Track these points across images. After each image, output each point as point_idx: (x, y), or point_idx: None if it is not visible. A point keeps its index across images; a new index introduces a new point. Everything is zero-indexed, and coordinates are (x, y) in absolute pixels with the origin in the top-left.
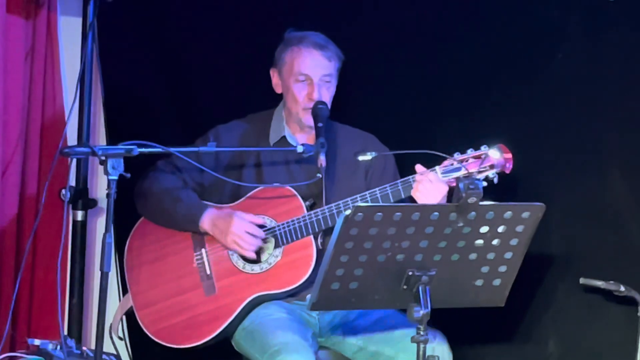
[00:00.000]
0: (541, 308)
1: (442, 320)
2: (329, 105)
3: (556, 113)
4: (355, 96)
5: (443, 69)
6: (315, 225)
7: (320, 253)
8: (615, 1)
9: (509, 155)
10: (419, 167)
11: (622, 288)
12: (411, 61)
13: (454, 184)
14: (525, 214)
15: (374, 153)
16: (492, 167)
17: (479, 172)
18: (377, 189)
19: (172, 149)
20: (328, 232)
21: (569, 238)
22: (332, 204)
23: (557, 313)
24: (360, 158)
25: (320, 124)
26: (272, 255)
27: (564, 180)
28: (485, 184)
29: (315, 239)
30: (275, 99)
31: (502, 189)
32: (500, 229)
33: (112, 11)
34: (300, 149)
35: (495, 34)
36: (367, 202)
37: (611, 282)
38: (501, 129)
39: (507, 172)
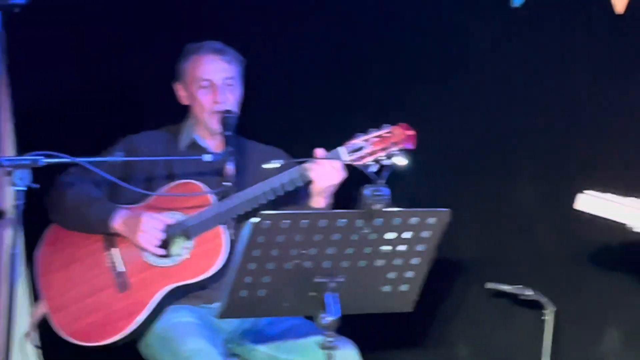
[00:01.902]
0: (451, 312)
1: (353, 327)
2: (237, 108)
3: (464, 118)
4: (259, 105)
5: (355, 72)
6: (224, 214)
7: (232, 243)
8: (519, 8)
9: (411, 132)
10: (317, 151)
11: (529, 292)
12: (320, 64)
13: (359, 163)
14: (432, 220)
15: (281, 161)
16: (395, 144)
17: (383, 149)
18: (275, 177)
19: (79, 159)
20: (239, 220)
21: (478, 243)
22: (240, 193)
23: (467, 317)
24: (265, 166)
25: (228, 133)
26: (184, 248)
27: (473, 184)
28: (390, 163)
29: (227, 228)
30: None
31: (410, 194)
32: (407, 235)
33: (22, 21)
34: (207, 157)
35: (406, 39)
36: (265, 192)
37: (518, 286)
38: (421, 131)
39: (411, 147)
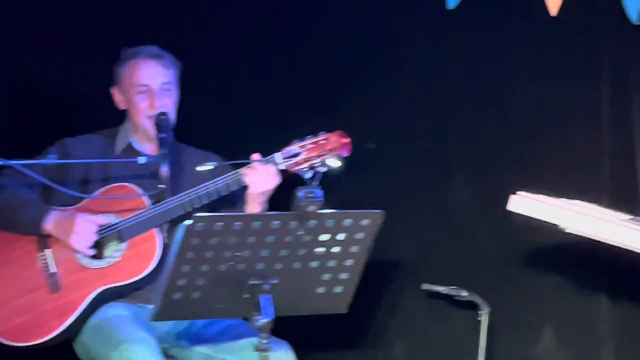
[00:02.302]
0: (386, 313)
1: (289, 329)
2: (174, 113)
3: (400, 118)
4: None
5: (291, 77)
6: (158, 217)
7: (166, 247)
8: (454, 10)
9: (347, 140)
10: (253, 156)
11: (464, 293)
12: (257, 69)
13: (293, 169)
14: (365, 221)
15: (214, 163)
16: (330, 151)
17: (318, 156)
18: (210, 182)
19: (12, 162)
20: (174, 224)
21: (413, 244)
22: (175, 197)
23: (402, 318)
24: (199, 169)
25: (163, 135)
26: (117, 250)
27: (408, 186)
28: (325, 169)
29: (160, 232)
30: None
31: (346, 196)
32: (341, 237)
33: None
34: (142, 159)
35: (342, 43)
36: (200, 195)
37: (453, 287)
38: (355, 133)
39: (346, 155)
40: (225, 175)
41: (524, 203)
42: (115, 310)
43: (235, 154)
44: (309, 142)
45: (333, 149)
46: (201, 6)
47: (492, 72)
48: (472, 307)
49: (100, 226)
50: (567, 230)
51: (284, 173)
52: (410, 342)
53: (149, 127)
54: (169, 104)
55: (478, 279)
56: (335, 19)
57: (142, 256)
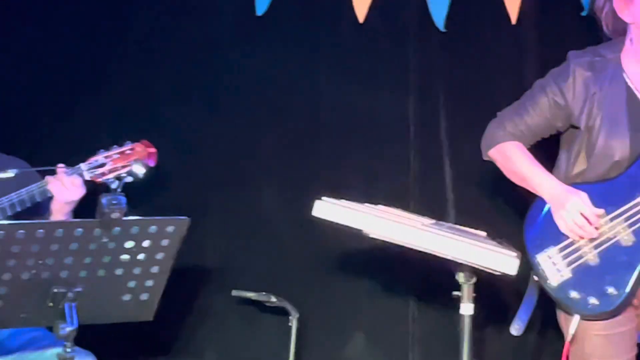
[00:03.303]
0: (197, 320)
1: (95, 338)
2: None
3: (209, 124)
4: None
5: (97, 86)
6: None
7: None
8: (263, 16)
9: (153, 150)
10: (58, 167)
11: (274, 299)
12: (63, 75)
13: (99, 180)
14: (170, 228)
15: (15, 170)
16: (136, 161)
17: (124, 166)
18: (13, 194)
19: None
20: None
21: (225, 250)
22: None
23: (214, 325)
24: (0, 175)
25: None
26: None
27: (220, 192)
28: (131, 178)
29: None
30: None
31: (153, 203)
32: (146, 244)
33: None
34: None
35: (150, 45)
36: (4, 208)
37: (262, 293)
38: (159, 141)
39: (152, 165)
40: (29, 187)
41: (328, 208)
42: None
43: (39, 163)
44: (114, 152)
45: (139, 159)
46: None
47: (300, 78)
48: (283, 312)
49: None
50: (370, 236)
51: (90, 183)
52: (221, 349)
53: None
54: None
55: (288, 285)
56: (142, 23)
57: None
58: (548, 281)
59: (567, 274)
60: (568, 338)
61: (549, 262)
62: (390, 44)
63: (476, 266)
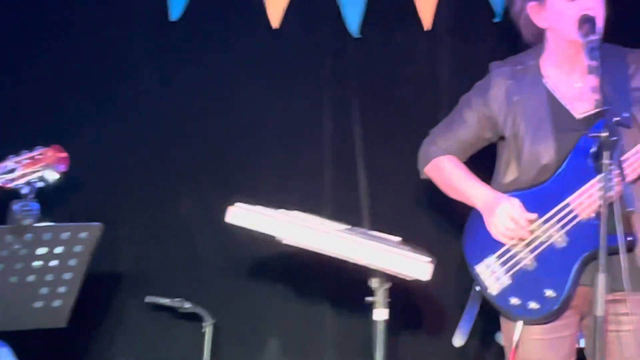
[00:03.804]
0: (110, 327)
1: (8, 345)
2: None
3: (122, 131)
4: None
5: (8, 88)
6: None
7: None
8: (177, 21)
9: (64, 155)
10: None
11: (188, 305)
12: None
13: (9, 186)
14: (83, 234)
15: None
16: (47, 166)
17: (34, 171)
18: None
19: None
20: None
21: (137, 256)
22: None
23: (127, 331)
24: None
25: None
26: None
27: (134, 197)
28: (42, 184)
29: None
30: None
31: (66, 208)
32: (59, 250)
33: None
34: None
35: (62, 48)
36: None
37: (177, 299)
38: (71, 146)
39: (64, 169)
40: None
41: (242, 215)
42: None
43: None
44: (24, 157)
45: (49, 164)
46: None
47: (215, 83)
48: (197, 318)
49: None
50: (283, 242)
51: None
52: (135, 355)
53: None
54: None
55: (202, 291)
56: (53, 26)
57: None
58: (488, 290)
59: (506, 281)
60: (513, 344)
61: (488, 272)
62: (304, 49)
63: (389, 272)
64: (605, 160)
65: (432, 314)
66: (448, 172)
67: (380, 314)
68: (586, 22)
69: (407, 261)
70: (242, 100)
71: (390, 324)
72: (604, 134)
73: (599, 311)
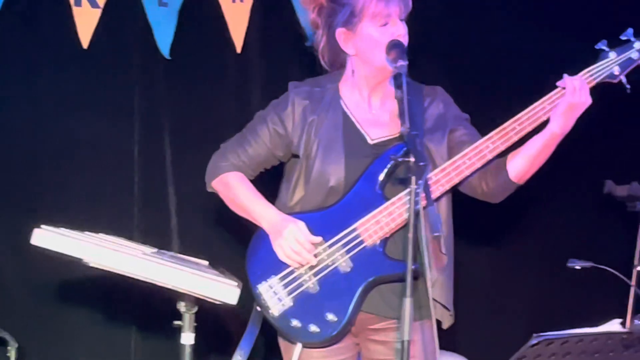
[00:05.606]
0: None
1: None
2: None
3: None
4: None
5: None
6: None
7: None
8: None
9: None
10: None
11: None
12: None
13: None
14: None
15: None
16: None
17: None
18: None
19: None
20: None
21: None
22: None
23: None
24: None
25: None
26: None
27: None
28: None
29: None
30: None
31: None
32: None
33: None
34: None
35: None
36: None
37: None
38: None
39: None
40: None
41: (47, 237)
42: None
43: None
44: None
45: None
46: None
47: (22, 102)
48: (1, 342)
49: None
50: (90, 264)
51: None
52: None
53: None
54: None
55: (6, 314)
56: None
57: None
58: (270, 311)
59: (288, 302)
60: None
61: (270, 292)
62: (114, 69)
63: (197, 295)
64: (413, 185)
65: (240, 336)
66: (236, 190)
67: (187, 338)
68: (395, 47)
69: (214, 285)
70: (50, 121)
71: (198, 347)
72: (412, 159)
73: (405, 335)
